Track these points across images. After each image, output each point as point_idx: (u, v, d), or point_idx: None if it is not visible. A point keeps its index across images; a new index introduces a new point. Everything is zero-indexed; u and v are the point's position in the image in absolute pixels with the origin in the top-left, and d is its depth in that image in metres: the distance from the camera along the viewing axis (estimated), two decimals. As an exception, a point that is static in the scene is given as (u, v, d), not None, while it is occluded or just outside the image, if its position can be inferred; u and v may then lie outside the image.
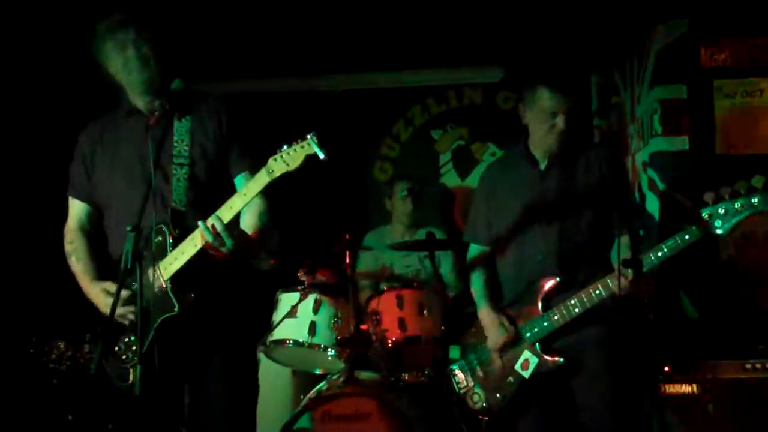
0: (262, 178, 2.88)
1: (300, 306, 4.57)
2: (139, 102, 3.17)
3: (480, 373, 3.80)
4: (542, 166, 3.72)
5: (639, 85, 5.76)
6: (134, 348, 3.09)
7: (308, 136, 2.80)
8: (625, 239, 3.41)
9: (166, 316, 3.05)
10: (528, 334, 3.63)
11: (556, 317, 3.53)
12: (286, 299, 4.61)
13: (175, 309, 3.03)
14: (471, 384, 3.82)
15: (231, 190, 3.11)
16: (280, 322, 4.52)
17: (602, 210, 3.61)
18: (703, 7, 5.15)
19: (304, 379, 4.90)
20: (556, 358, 3.55)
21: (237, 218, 3.06)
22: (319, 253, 4.76)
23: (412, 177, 5.92)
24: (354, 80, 6.58)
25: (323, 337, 4.55)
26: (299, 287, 4.66)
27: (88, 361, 4.79)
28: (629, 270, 3.15)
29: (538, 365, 3.57)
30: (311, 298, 4.59)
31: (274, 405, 4.72)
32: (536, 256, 3.66)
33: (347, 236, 4.68)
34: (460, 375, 3.88)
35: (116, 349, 3.14)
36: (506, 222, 3.79)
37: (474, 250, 3.99)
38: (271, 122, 4.30)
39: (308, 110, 6.33)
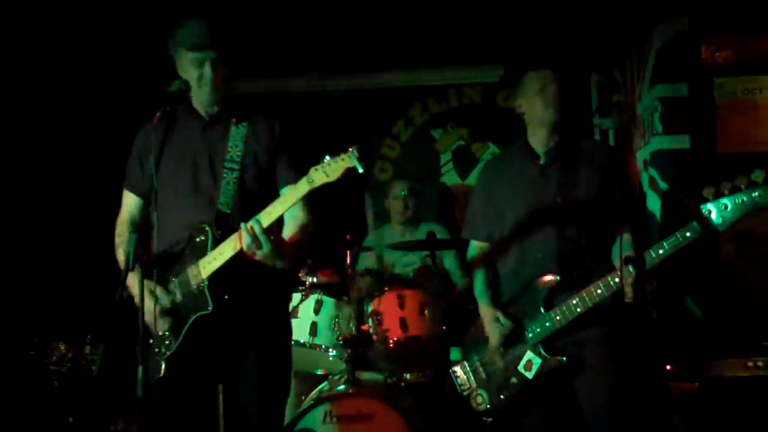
0: (302, 187, 2.93)
1: (301, 306, 4.58)
2: (200, 107, 3.27)
3: (483, 375, 3.75)
4: (542, 161, 3.66)
5: (639, 84, 5.76)
6: (168, 342, 3.14)
7: (350, 150, 2.86)
8: (627, 237, 3.39)
9: (200, 314, 3.09)
10: (530, 335, 3.57)
11: (557, 317, 3.48)
12: (288, 300, 4.61)
13: (209, 308, 3.06)
14: (474, 385, 3.76)
15: (276, 198, 3.20)
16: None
17: (603, 207, 3.55)
18: (703, 5, 5.15)
19: (306, 380, 4.89)
20: (559, 358, 3.51)
21: (278, 226, 3.14)
22: (320, 253, 4.74)
23: (411, 177, 5.91)
24: (354, 80, 6.57)
25: (324, 337, 4.56)
26: (300, 288, 4.66)
27: (89, 363, 4.78)
28: (631, 268, 3.15)
29: (541, 365, 3.53)
30: (312, 299, 4.59)
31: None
32: (535, 254, 3.60)
33: (348, 237, 4.68)
34: (462, 376, 3.82)
35: (151, 341, 3.17)
36: (505, 219, 3.73)
37: (474, 246, 3.93)
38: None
39: (308, 110, 6.32)
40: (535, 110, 3.63)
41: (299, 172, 3.14)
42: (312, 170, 2.89)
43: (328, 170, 2.86)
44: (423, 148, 6.63)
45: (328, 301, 4.64)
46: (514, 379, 3.61)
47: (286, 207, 2.98)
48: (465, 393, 3.79)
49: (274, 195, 3.21)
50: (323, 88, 6.58)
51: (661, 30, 5.33)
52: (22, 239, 5.38)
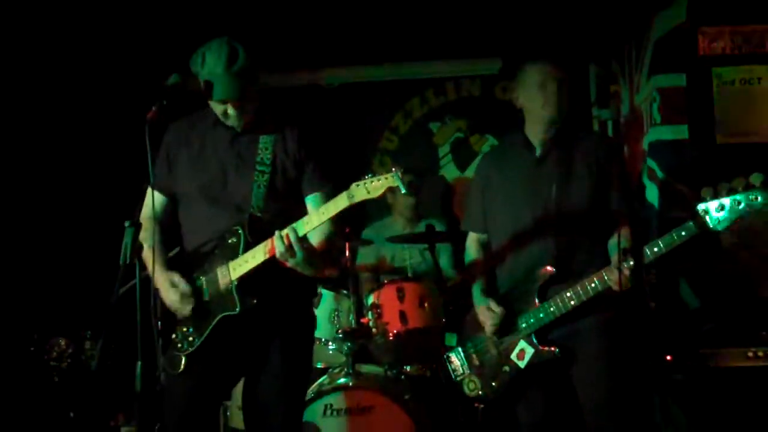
0: (341, 201, 2.95)
1: (300, 300, 4.57)
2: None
3: (476, 362, 3.74)
4: (538, 153, 3.61)
5: (638, 74, 5.76)
6: (191, 338, 3.17)
7: (393, 170, 2.89)
8: (625, 230, 3.39)
9: (226, 314, 3.12)
10: (524, 325, 3.56)
11: (551, 309, 3.47)
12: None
13: (237, 309, 3.10)
14: (467, 372, 3.76)
15: (303, 206, 3.25)
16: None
17: (601, 199, 3.51)
18: (701, -5, 5.16)
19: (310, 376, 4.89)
20: (552, 349, 3.50)
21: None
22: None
23: (413, 170, 5.91)
24: (352, 73, 6.58)
25: (324, 330, 4.56)
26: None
27: (89, 359, 4.79)
28: (629, 262, 3.16)
29: (534, 355, 3.53)
30: (312, 292, 4.59)
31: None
32: (531, 245, 3.57)
33: (347, 229, 4.68)
34: (455, 362, 3.81)
35: (173, 336, 3.20)
36: (502, 211, 3.70)
37: (472, 237, 3.89)
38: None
39: (306, 104, 6.31)
40: (534, 105, 3.59)
41: (326, 182, 3.26)
42: (353, 186, 2.92)
43: (370, 187, 2.89)
44: (422, 141, 6.64)
45: (328, 295, 4.65)
46: (506, 368, 3.61)
47: (323, 219, 3.00)
48: (458, 379, 3.79)
49: (301, 202, 3.27)
50: (320, 81, 6.57)
51: (659, 20, 5.32)
52: (21, 235, 5.38)
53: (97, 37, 5.68)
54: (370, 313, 4.56)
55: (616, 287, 3.24)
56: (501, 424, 3.94)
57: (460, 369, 3.79)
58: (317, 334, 4.49)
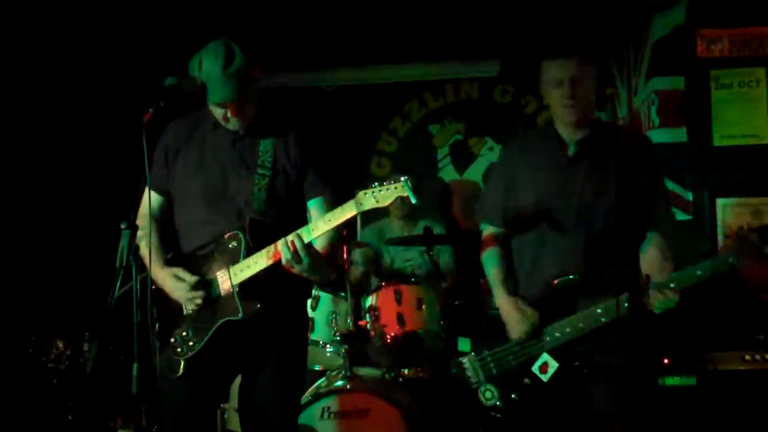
0: (349, 209, 2.93)
1: (298, 303, 4.57)
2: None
3: (492, 371, 3.49)
4: (571, 151, 3.34)
5: (636, 77, 5.76)
6: (191, 342, 3.16)
7: (402, 179, 2.87)
8: (657, 238, 3.26)
9: (228, 319, 3.11)
10: (548, 338, 3.33)
11: (580, 325, 3.24)
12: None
13: (239, 314, 3.09)
14: (483, 380, 3.51)
15: (304, 210, 3.25)
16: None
17: (634, 205, 3.24)
18: (699, -2, 5.17)
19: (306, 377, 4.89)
20: (579, 366, 3.25)
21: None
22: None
23: (412, 172, 5.90)
24: (350, 76, 6.58)
25: (322, 333, 4.56)
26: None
27: (87, 361, 4.79)
28: (669, 285, 3.07)
29: (559, 371, 3.29)
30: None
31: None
32: (557, 250, 3.32)
33: (344, 232, 4.67)
34: (470, 370, 3.57)
35: (172, 340, 3.19)
36: (526, 208, 3.42)
37: (488, 231, 3.63)
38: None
39: (305, 106, 6.32)
40: (554, 106, 3.35)
41: (328, 185, 3.24)
42: (361, 194, 2.90)
43: (378, 196, 2.88)
44: (420, 144, 6.63)
45: (325, 297, 4.64)
46: (527, 380, 3.39)
47: (330, 227, 2.99)
48: (473, 386, 3.57)
49: (302, 206, 3.26)
50: (318, 83, 6.58)
51: (657, 23, 5.33)
52: (20, 237, 5.38)
53: (94, 38, 5.69)
54: (367, 315, 4.57)
55: (650, 307, 3.07)
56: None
57: (475, 377, 3.57)
58: (315, 336, 4.52)
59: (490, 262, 3.57)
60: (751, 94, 5.15)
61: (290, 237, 2.99)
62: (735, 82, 5.18)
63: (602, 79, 3.30)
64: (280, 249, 3.00)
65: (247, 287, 3.10)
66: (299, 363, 3.38)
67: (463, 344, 3.72)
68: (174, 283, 3.18)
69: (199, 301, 3.15)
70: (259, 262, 3.08)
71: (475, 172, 6.49)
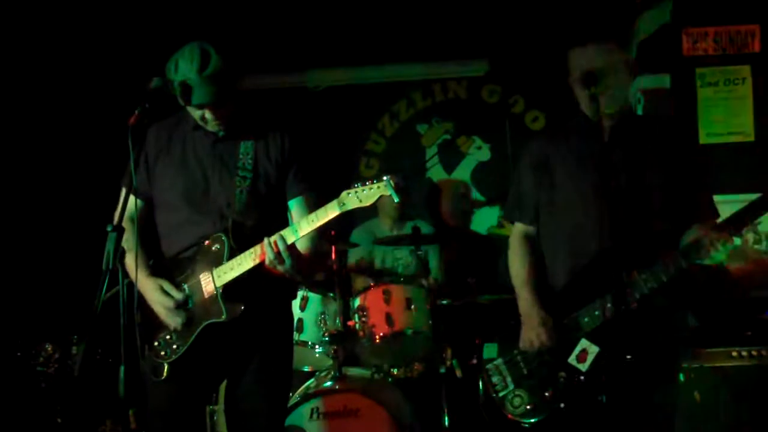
0: (332, 209, 2.93)
1: (286, 303, 4.57)
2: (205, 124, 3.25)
3: (524, 371, 3.24)
4: (606, 138, 3.16)
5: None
6: (174, 346, 3.14)
7: (384, 179, 2.88)
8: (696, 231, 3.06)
9: (211, 321, 3.10)
10: (586, 319, 3.10)
11: (609, 304, 3.04)
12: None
13: (223, 316, 3.08)
14: (511, 385, 3.26)
15: (286, 210, 3.25)
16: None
17: (674, 194, 3.11)
18: (684, -4, 5.19)
19: (293, 377, 4.88)
20: (621, 351, 2.99)
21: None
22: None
23: (400, 171, 5.89)
24: (338, 75, 6.57)
25: (310, 334, 4.56)
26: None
27: (74, 363, 4.77)
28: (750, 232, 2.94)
29: (599, 356, 3.03)
30: (298, 296, 4.58)
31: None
32: (596, 241, 3.12)
33: (332, 232, 4.67)
34: (497, 375, 3.31)
35: (155, 344, 3.18)
36: (562, 200, 3.24)
37: (518, 231, 3.44)
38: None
39: (292, 106, 6.32)
40: (581, 99, 3.19)
41: (309, 185, 3.24)
42: (344, 194, 2.91)
43: (361, 196, 2.88)
44: (408, 143, 6.62)
45: (314, 298, 4.63)
46: (563, 373, 3.13)
47: (313, 227, 2.98)
48: (501, 395, 3.29)
49: (284, 207, 3.27)
50: (306, 84, 6.58)
51: (643, 21, 5.35)
52: (6, 241, 5.36)
53: (80, 41, 5.67)
54: (356, 315, 4.57)
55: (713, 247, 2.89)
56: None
57: (503, 383, 3.29)
58: (304, 337, 4.52)
59: (518, 262, 3.41)
60: (736, 91, 5.18)
61: (273, 238, 2.99)
62: (721, 80, 5.20)
63: (588, 78, 3.12)
64: (266, 249, 2.99)
65: (230, 289, 3.09)
66: (284, 364, 3.37)
67: (490, 350, 3.44)
68: (158, 297, 3.15)
69: (177, 322, 3.13)
70: (243, 264, 3.07)
71: (463, 172, 6.50)
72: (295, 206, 3.26)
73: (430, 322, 4.53)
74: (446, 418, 4.30)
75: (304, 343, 4.52)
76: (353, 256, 5.63)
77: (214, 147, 3.24)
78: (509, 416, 3.24)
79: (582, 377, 3.08)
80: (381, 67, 6.53)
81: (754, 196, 2.92)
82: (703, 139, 5.19)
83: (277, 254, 2.98)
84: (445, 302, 4.93)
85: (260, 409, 3.21)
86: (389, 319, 4.51)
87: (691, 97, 5.21)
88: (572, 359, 3.10)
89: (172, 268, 3.22)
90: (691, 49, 5.22)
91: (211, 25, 5.54)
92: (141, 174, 3.31)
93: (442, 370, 4.53)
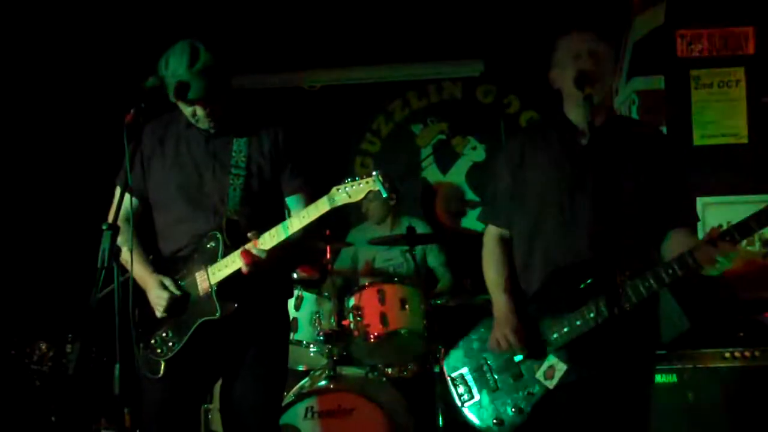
0: (322, 205, 2.95)
1: (281, 303, 4.58)
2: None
3: (491, 383, 3.18)
4: (584, 140, 3.08)
5: (617, 77, 5.79)
6: (170, 343, 3.16)
7: (374, 174, 2.89)
8: (685, 234, 3.04)
9: (206, 319, 3.12)
10: (555, 335, 3.04)
11: (591, 314, 2.95)
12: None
13: (217, 314, 3.09)
14: (477, 397, 3.19)
15: (282, 206, 3.26)
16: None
17: (654, 199, 3.04)
18: (678, -2, 5.21)
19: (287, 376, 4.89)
20: (589, 369, 2.95)
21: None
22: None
23: (391, 172, 5.89)
24: (333, 75, 6.58)
25: (305, 333, 4.57)
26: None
27: (70, 362, 4.77)
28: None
29: (566, 373, 2.98)
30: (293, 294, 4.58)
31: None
32: (569, 246, 3.05)
33: (327, 232, 4.68)
34: (463, 385, 3.24)
35: (152, 342, 3.19)
36: (535, 202, 3.15)
37: (492, 234, 3.33)
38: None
39: (287, 106, 6.33)
40: (567, 86, 3.07)
41: (305, 180, 3.25)
42: (334, 190, 2.92)
43: (351, 192, 2.90)
44: (403, 144, 6.63)
45: (309, 297, 4.65)
46: (530, 389, 3.07)
47: (304, 224, 2.99)
48: (465, 405, 3.23)
49: (279, 203, 3.28)
50: (301, 83, 6.58)
51: (637, 23, 5.36)
52: (1, 239, 5.35)
53: (75, 40, 5.67)
54: (351, 315, 4.57)
55: (710, 263, 2.80)
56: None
57: (469, 394, 3.23)
58: (299, 336, 4.53)
59: (494, 266, 3.29)
60: (730, 93, 5.19)
61: (247, 246, 3.01)
62: (715, 81, 5.21)
63: (582, 79, 3.05)
64: (245, 259, 3.02)
65: (224, 286, 3.11)
66: (280, 363, 3.38)
67: (455, 358, 3.35)
68: (159, 293, 3.17)
69: (176, 317, 3.15)
70: (237, 261, 3.08)
71: (458, 172, 6.51)
72: (293, 203, 3.26)
73: (425, 322, 4.53)
74: (440, 418, 4.30)
75: (299, 343, 4.53)
76: (361, 261, 5.64)
77: (207, 144, 3.25)
78: (475, 427, 3.20)
79: (548, 393, 3.03)
80: (376, 67, 6.55)
81: (747, 198, 2.92)
82: (697, 141, 5.20)
83: (249, 265, 3.01)
84: (439, 302, 4.95)
85: (255, 408, 3.22)
86: (384, 318, 4.52)
87: (685, 98, 5.22)
88: (540, 375, 3.06)
89: (169, 266, 3.23)
90: (686, 51, 5.24)
91: (207, 24, 5.55)
92: (136, 173, 3.32)
93: (437, 370, 4.54)
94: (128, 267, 3.08)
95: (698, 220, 3.18)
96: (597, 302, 2.92)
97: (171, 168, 3.27)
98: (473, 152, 6.49)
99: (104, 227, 2.81)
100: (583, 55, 3.01)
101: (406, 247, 5.04)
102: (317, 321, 4.58)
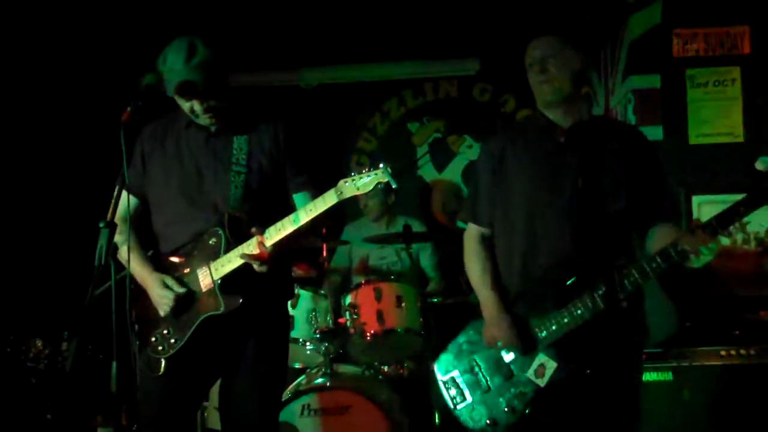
0: (330, 198, 2.95)
1: (278, 300, 4.58)
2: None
3: (483, 384, 3.18)
4: (562, 138, 3.10)
5: (613, 76, 5.81)
6: (172, 340, 3.16)
7: (381, 165, 2.88)
8: (667, 229, 3.06)
9: (210, 314, 3.12)
10: (543, 333, 3.05)
11: (578, 311, 2.97)
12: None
13: (221, 309, 3.09)
14: (470, 399, 3.19)
15: (284, 202, 3.24)
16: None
17: (633, 196, 3.07)
18: (674, -2, 5.22)
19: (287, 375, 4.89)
20: (579, 366, 2.96)
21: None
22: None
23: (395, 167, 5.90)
24: (330, 74, 6.58)
25: (301, 331, 4.57)
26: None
27: (66, 360, 4.77)
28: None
29: (557, 371, 3.00)
30: (289, 293, 4.59)
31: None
32: (550, 244, 3.07)
33: (323, 230, 4.68)
34: (455, 388, 3.24)
35: (153, 339, 3.19)
36: (516, 200, 3.17)
37: (473, 233, 3.34)
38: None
39: (284, 104, 6.33)
40: (533, 88, 3.17)
41: (309, 176, 3.26)
42: (341, 182, 2.92)
43: (359, 184, 2.89)
44: (399, 142, 6.64)
45: (305, 295, 4.65)
46: (522, 389, 3.08)
47: (311, 216, 2.99)
48: (458, 408, 3.23)
49: (282, 199, 3.27)
50: (297, 82, 6.58)
51: (633, 22, 5.37)
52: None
53: (72, 37, 5.66)
54: (347, 313, 4.58)
55: (694, 252, 2.83)
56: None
57: (460, 396, 3.23)
58: (295, 334, 4.53)
59: (479, 265, 3.29)
60: (726, 92, 5.21)
61: (246, 250, 3.03)
62: (710, 80, 5.23)
63: (585, 60, 3.12)
64: (259, 245, 3.02)
65: (228, 282, 3.11)
66: (280, 361, 3.39)
67: (445, 361, 3.34)
68: (161, 291, 3.17)
69: (179, 315, 3.15)
70: (240, 258, 3.08)
71: (454, 170, 6.52)
72: (300, 201, 3.25)
73: (421, 319, 4.54)
74: (437, 416, 4.31)
75: (295, 340, 4.53)
76: (355, 258, 5.65)
77: (208, 142, 3.26)
78: (468, 430, 3.20)
79: (540, 391, 3.04)
80: (372, 65, 6.55)
81: (742, 197, 2.92)
82: (692, 140, 5.23)
83: (258, 258, 3.02)
84: (435, 300, 4.96)
85: (255, 405, 3.23)
86: (380, 316, 4.52)
87: (681, 98, 5.24)
88: (530, 374, 3.06)
89: (170, 264, 3.24)
90: (681, 50, 5.26)
91: (204, 22, 5.54)
92: (137, 172, 3.34)
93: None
94: (125, 263, 3.10)
95: (680, 215, 3.23)
96: (584, 298, 2.97)
97: (171, 167, 3.28)
98: (469, 151, 6.49)
99: (101, 225, 2.82)
100: (537, 61, 3.11)
101: (401, 246, 5.04)
102: (314, 319, 4.58)
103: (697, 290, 4.71)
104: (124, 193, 3.29)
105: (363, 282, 4.70)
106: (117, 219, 3.22)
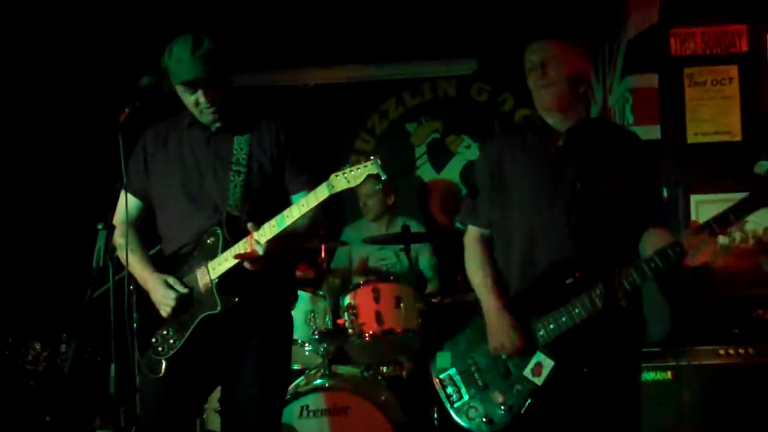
0: (321, 192, 2.96)
1: (276, 302, 4.57)
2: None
3: (479, 383, 3.19)
4: (561, 141, 3.13)
5: (611, 75, 5.81)
6: (171, 341, 3.16)
7: (371, 158, 2.91)
8: (661, 232, 3.07)
9: (207, 313, 3.11)
10: (541, 332, 3.07)
11: (576, 310, 2.98)
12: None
13: (218, 308, 3.09)
14: (466, 397, 3.20)
15: (284, 202, 3.21)
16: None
17: (630, 198, 3.09)
18: (672, -4, 5.22)
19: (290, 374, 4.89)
20: (577, 365, 2.97)
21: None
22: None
23: (389, 171, 5.89)
24: (328, 74, 6.57)
25: (300, 332, 4.56)
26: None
27: (64, 362, 4.76)
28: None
29: (554, 369, 3.01)
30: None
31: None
32: (549, 246, 3.09)
33: (322, 231, 4.68)
34: (452, 386, 3.25)
35: (153, 341, 3.19)
36: (515, 202, 3.19)
37: (473, 234, 3.36)
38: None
39: (282, 105, 6.32)
40: (533, 92, 3.17)
41: (307, 177, 3.25)
42: (333, 176, 2.93)
43: (349, 177, 2.90)
44: (398, 142, 6.63)
45: (304, 296, 4.64)
46: (518, 387, 3.09)
47: (303, 212, 2.99)
48: (455, 406, 3.24)
49: (282, 199, 3.26)
50: (296, 82, 6.58)
51: (631, 21, 5.37)
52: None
53: (70, 38, 5.66)
54: (346, 314, 4.57)
55: (692, 253, 2.86)
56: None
57: (457, 394, 3.24)
58: (293, 335, 4.52)
59: (479, 267, 3.29)
60: (724, 91, 5.21)
61: (238, 251, 3.03)
62: (708, 79, 5.23)
63: (584, 62, 3.16)
64: (252, 243, 3.02)
65: (225, 281, 3.11)
66: (282, 362, 3.38)
67: (443, 360, 3.35)
68: (163, 291, 3.17)
69: (180, 315, 3.15)
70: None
71: (452, 170, 6.52)
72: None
73: (420, 320, 4.53)
74: (436, 416, 4.31)
75: (294, 341, 4.51)
76: (355, 259, 5.64)
77: (209, 142, 3.27)
78: (465, 429, 3.20)
79: (537, 390, 3.05)
80: (370, 65, 6.55)
81: (740, 196, 2.92)
82: (690, 139, 5.22)
83: (247, 256, 3.02)
84: (434, 300, 4.95)
85: (256, 407, 3.22)
86: (379, 317, 4.51)
87: (679, 96, 5.24)
88: (527, 372, 3.07)
89: (171, 264, 3.24)
90: (679, 49, 5.26)
91: (203, 22, 5.54)
92: (139, 174, 3.35)
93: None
94: (128, 265, 3.10)
95: (671, 221, 3.27)
96: (583, 298, 2.98)
97: (173, 167, 3.29)
98: (467, 150, 6.49)
99: (99, 226, 2.83)
100: (537, 65, 3.11)
101: (400, 247, 5.04)
102: (312, 320, 4.58)
103: (691, 291, 4.70)
104: (129, 197, 3.32)
105: (361, 283, 4.69)
106: (118, 220, 3.24)
